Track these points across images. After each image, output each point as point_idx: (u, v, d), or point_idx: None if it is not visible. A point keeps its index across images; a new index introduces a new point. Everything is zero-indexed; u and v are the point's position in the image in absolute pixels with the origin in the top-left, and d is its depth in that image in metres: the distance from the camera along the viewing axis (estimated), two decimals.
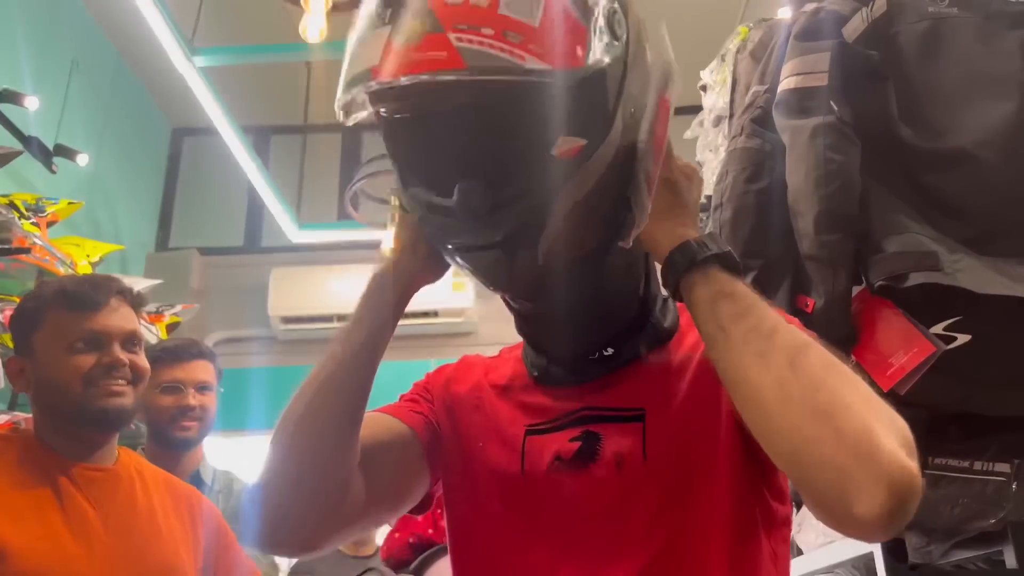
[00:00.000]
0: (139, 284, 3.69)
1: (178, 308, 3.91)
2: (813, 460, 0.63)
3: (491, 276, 0.76)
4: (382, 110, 0.77)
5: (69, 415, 1.40)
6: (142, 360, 1.50)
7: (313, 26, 2.43)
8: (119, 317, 1.48)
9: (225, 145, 3.42)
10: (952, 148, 1.23)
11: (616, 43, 0.74)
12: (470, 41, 0.66)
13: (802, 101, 1.25)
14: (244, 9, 3.72)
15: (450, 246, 0.76)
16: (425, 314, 4.23)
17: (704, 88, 2.27)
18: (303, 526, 0.79)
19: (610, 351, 0.85)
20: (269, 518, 0.77)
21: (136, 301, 1.57)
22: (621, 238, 0.77)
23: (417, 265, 0.83)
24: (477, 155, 0.74)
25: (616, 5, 0.75)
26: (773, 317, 0.70)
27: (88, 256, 3.15)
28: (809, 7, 1.39)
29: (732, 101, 1.56)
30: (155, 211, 4.67)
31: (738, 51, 1.62)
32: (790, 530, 0.88)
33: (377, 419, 0.89)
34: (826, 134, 1.20)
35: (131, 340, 1.49)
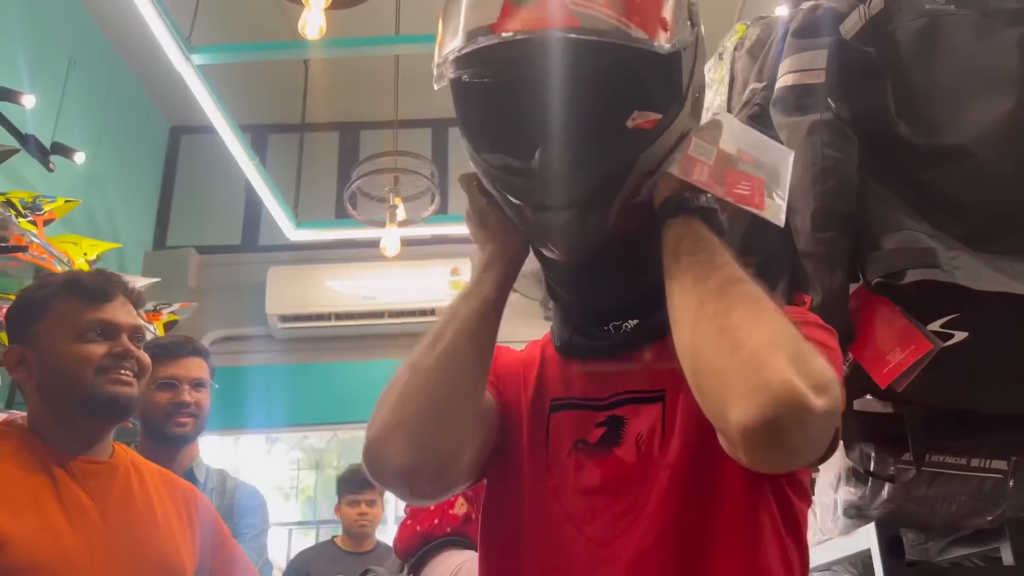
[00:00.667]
0: (137, 282, 3.67)
1: (175, 306, 3.91)
2: (707, 368, 0.69)
3: (563, 234, 0.81)
4: (477, 72, 0.82)
5: (77, 403, 1.40)
6: (144, 355, 1.52)
7: (312, 23, 2.43)
8: (127, 311, 1.51)
9: (223, 143, 3.42)
10: (949, 145, 1.23)
11: (694, 29, 0.82)
12: (583, 6, 0.72)
13: (799, 98, 1.24)
14: (242, 7, 3.72)
15: (523, 205, 0.80)
16: (424, 312, 4.23)
17: None
18: (440, 463, 0.81)
19: (633, 323, 0.87)
20: (404, 458, 0.79)
21: (137, 300, 1.59)
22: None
23: (517, 243, 0.87)
24: (563, 118, 0.80)
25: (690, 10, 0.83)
26: (725, 258, 0.75)
27: (85, 254, 3.14)
28: (806, 5, 1.39)
29: (730, 98, 1.56)
30: (152, 209, 4.67)
31: (736, 48, 1.61)
32: (806, 526, 0.88)
33: None
34: (823, 131, 1.20)
35: (136, 334, 1.51)
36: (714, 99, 2.14)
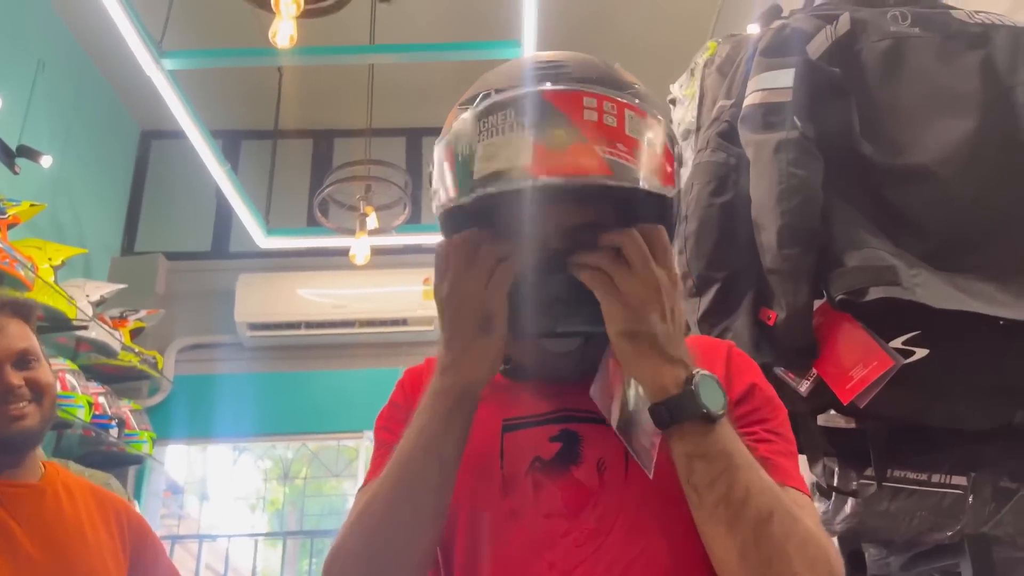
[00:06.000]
0: (103, 288, 3.66)
1: (142, 313, 3.87)
2: None
3: (564, 358, 0.85)
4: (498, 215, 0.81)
5: None
6: (42, 373, 1.45)
7: (283, 32, 2.41)
8: (6, 337, 1.41)
9: (194, 149, 3.38)
10: (912, 165, 1.25)
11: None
12: (611, 154, 0.74)
13: (766, 116, 1.26)
14: (215, 13, 3.69)
15: (526, 331, 0.81)
16: (395, 322, 4.21)
17: (673, 102, 2.29)
18: None
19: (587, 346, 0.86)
20: None
21: (24, 311, 1.48)
22: None
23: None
24: (573, 238, 0.81)
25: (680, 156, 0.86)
26: (744, 482, 0.75)
27: (50, 259, 3.10)
28: (775, 24, 1.41)
29: (699, 115, 1.57)
30: (121, 214, 4.60)
31: (706, 65, 1.63)
32: None
33: None
34: (789, 149, 1.22)
35: (24, 358, 1.43)
36: (685, 115, 2.16)
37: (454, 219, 0.83)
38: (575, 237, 0.82)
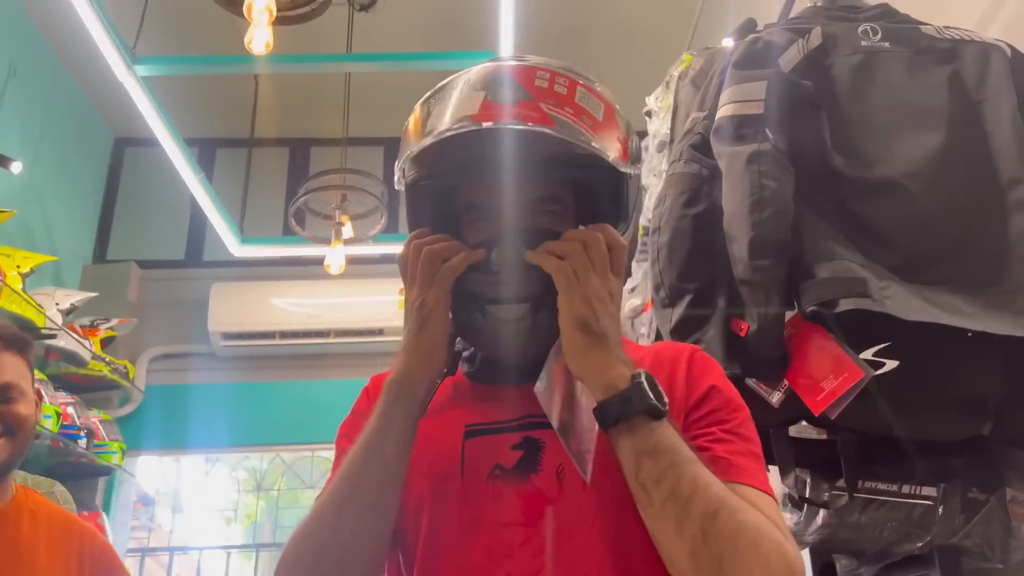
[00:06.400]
0: (74, 296, 3.60)
1: (114, 322, 3.81)
2: None
3: (513, 329, 0.84)
4: (449, 163, 0.86)
5: None
6: (21, 407, 1.48)
7: (259, 39, 2.40)
8: None
9: (168, 156, 3.35)
10: (881, 178, 1.26)
11: (638, 167, 0.90)
12: (557, 112, 0.80)
13: (739, 128, 1.26)
14: (190, 19, 3.66)
15: (474, 300, 0.84)
16: (371, 332, 4.19)
17: (649, 114, 2.30)
18: None
19: (554, 346, 0.86)
20: None
21: (19, 344, 1.52)
22: None
23: (435, 369, 0.86)
24: (523, 216, 0.86)
25: (640, 145, 0.92)
26: (691, 476, 0.75)
27: (19, 267, 3.05)
28: (749, 38, 1.42)
29: (673, 127, 1.58)
30: (93, 222, 4.54)
31: (680, 78, 1.64)
32: None
33: None
34: (761, 161, 1.22)
35: (4, 392, 1.46)
36: (660, 127, 2.17)
37: (413, 194, 0.89)
38: (529, 210, 0.86)
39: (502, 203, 0.87)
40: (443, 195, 0.92)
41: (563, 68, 0.85)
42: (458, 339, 0.92)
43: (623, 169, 0.86)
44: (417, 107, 0.87)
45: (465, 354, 0.94)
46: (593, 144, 0.81)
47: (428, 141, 0.82)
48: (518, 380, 0.87)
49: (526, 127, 0.79)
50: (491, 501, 0.83)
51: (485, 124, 0.80)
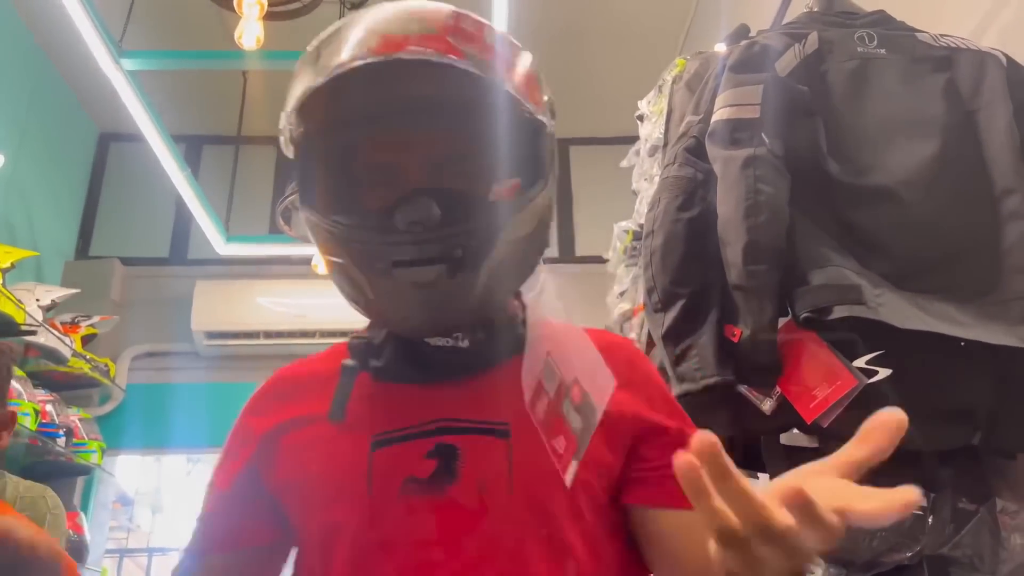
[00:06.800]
0: (55, 292, 3.55)
1: (95, 319, 3.77)
2: None
3: (425, 294, 0.74)
4: (350, 103, 0.76)
5: None
6: None
7: (249, 33, 2.37)
8: None
9: (153, 152, 3.31)
10: (876, 185, 1.26)
11: (553, 123, 0.81)
12: (469, 47, 0.72)
13: (734, 132, 1.25)
14: (179, 13, 3.62)
15: (381, 267, 0.74)
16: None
17: (641, 118, 2.30)
18: None
19: (465, 342, 0.80)
20: None
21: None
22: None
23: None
24: (432, 174, 0.77)
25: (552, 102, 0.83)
26: None
27: None
28: (744, 41, 1.41)
29: (667, 130, 1.57)
30: (76, 218, 4.49)
31: (674, 82, 1.63)
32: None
33: None
34: (757, 165, 1.21)
35: None
36: (652, 131, 2.17)
37: (302, 154, 0.80)
38: (438, 168, 0.78)
39: (407, 160, 0.78)
40: (338, 155, 0.81)
41: (470, 13, 0.76)
42: (366, 329, 0.84)
43: (542, 118, 0.78)
44: (307, 52, 0.77)
45: (375, 343, 0.83)
46: (508, 88, 0.74)
47: (320, 80, 0.72)
48: (429, 379, 0.79)
49: (435, 58, 0.70)
50: (404, 518, 0.74)
51: (386, 55, 0.70)
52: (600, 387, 0.68)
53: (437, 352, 0.80)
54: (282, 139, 0.81)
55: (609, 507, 0.79)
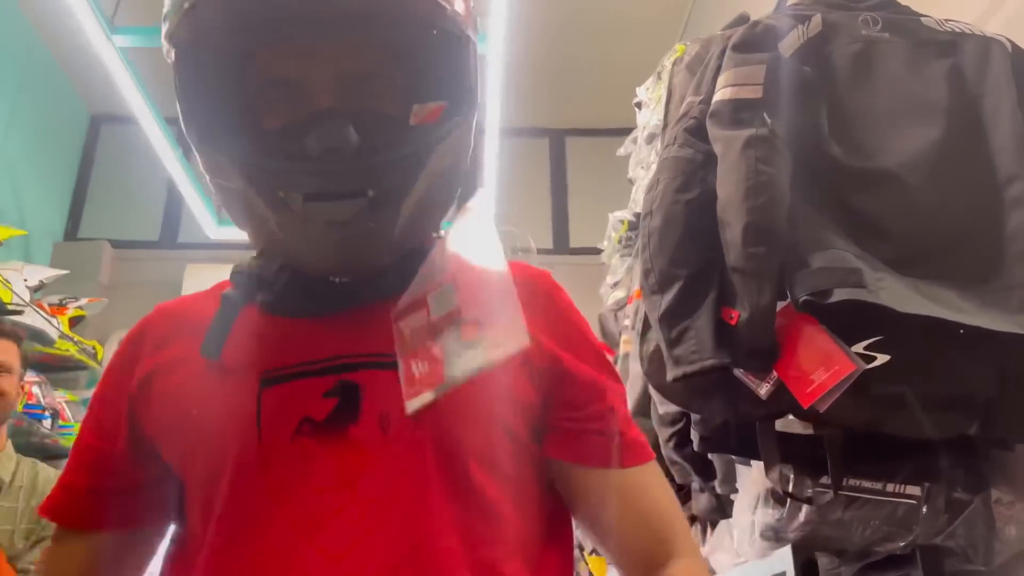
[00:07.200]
0: (43, 273, 3.51)
1: (83, 301, 3.73)
2: None
3: (340, 233, 0.66)
4: (247, 18, 0.67)
5: None
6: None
7: None
8: None
9: (144, 134, 3.27)
10: (879, 169, 1.24)
11: (479, 41, 0.73)
12: None
13: (736, 112, 1.23)
14: None
15: (288, 200, 0.65)
16: None
17: (639, 105, 2.28)
18: None
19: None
20: None
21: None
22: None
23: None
24: (344, 92, 0.69)
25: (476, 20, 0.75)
26: None
27: None
28: (749, 21, 1.39)
29: (666, 112, 1.55)
30: (66, 199, 4.44)
31: (674, 65, 1.61)
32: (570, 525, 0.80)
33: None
34: (758, 146, 1.19)
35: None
36: (650, 118, 2.15)
37: (187, 65, 0.70)
38: (350, 85, 0.69)
39: (315, 74, 0.69)
40: (233, 66, 0.73)
41: None
42: (254, 259, 0.77)
43: (469, 33, 0.70)
44: None
45: (264, 274, 0.76)
46: None
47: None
48: (329, 310, 0.72)
49: None
50: (298, 463, 0.67)
51: None
52: (507, 342, 0.62)
53: (332, 284, 0.73)
54: (164, 41, 0.71)
55: (530, 448, 0.74)
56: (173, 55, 0.71)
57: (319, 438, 0.68)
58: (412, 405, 0.65)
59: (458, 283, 0.68)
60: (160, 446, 0.74)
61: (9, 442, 2.11)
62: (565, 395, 0.76)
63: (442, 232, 0.77)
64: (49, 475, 2.09)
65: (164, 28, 0.71)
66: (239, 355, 0.71)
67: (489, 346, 0.63)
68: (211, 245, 4.10)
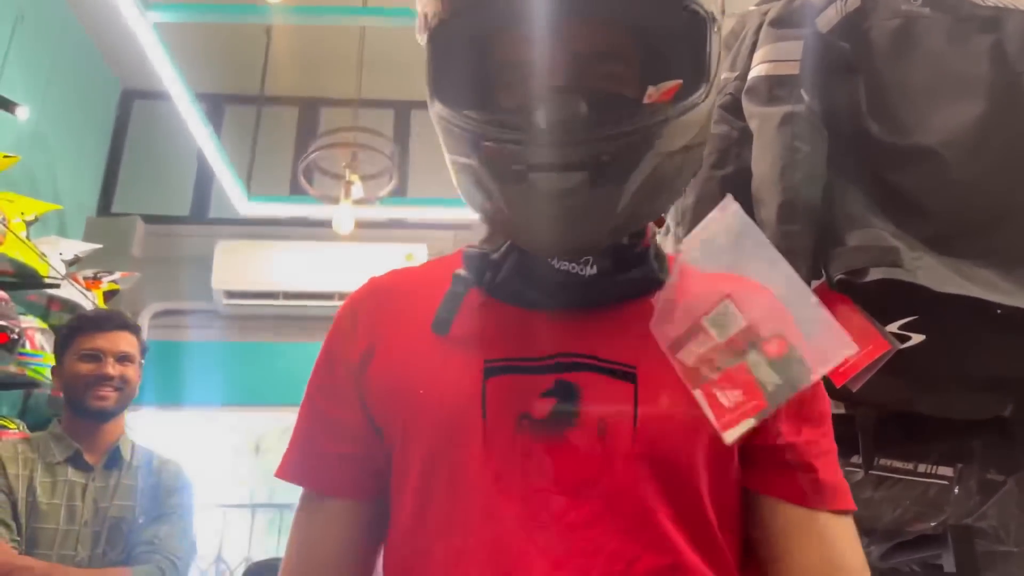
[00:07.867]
0: (78, 247, 3.56)
1: (117, 275, 3.78)
2: None
3: (562, 204, 0.66)
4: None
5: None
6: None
7: None
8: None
9: (176, 110, 3.30)
10: (918, 146, 1.22)
11: (721, 19, 0.72)
12: None
13: (772, 89, 1.22)
14: None
15: (517, 167, 0.66)
16: (327, 295, 4.13)
17: None
18: None
19: (592, 270, 0.72)
20: None
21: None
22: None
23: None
24: (577, 73, 0.69)
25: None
26: None
27: (22, 213, 3.01)
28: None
29: None
30: (99, 174, 4.50)
31: None
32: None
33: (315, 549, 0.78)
34: (795, 123, 1.18)
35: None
36: None
37: (439, 43, 0.72)
38: (584, 66, 0.70)
39: (552, 54, 0.70)
40: (477, 46, 0.74)
41: None
42: (483, 240, 0.77)
43: (712, 10, 0.68)
44: None
45: (494, 257, 0.74)
46: None
47: None
48: (548, 305, 0.72)
49: None
50: (519, 458, 0.68)
51: None
52: (829, 349, 0.60)
53: (561, 276, 0.72)
54: (417, 23, 0.73)
55: (739, 473, 0.73)
56: (425, 37, 0.73)
57: (537, 435, 0.68)
58: (732, 435, 0.64)
59: (736, 299, 0.66)
60: (381, 419, 0.75)
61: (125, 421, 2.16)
62: (781, 424, 0.74)
63: (658, 232, 0.77)
64: (163, 456, 2.15)
65: (420, 5, 0.73)
66: (462, 335, 0.72)
67: (807, 358, 0.61)
68: (241, 221, 4.14)
